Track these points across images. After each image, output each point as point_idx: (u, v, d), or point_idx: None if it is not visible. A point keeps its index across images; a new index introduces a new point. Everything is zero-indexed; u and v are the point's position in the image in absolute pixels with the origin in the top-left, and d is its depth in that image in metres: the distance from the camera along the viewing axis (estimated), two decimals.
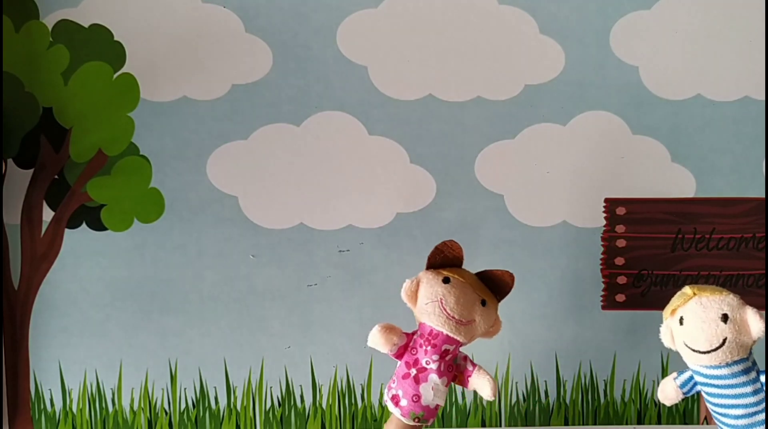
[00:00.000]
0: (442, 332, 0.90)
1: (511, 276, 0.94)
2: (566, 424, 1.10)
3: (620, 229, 1.07)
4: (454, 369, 0.93)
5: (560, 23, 1.04)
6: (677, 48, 1.05)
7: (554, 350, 1.09)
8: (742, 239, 1.07)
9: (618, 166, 1.06)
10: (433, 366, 0.91)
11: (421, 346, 0.91)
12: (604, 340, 1.08)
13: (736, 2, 1.04)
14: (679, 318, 0.89)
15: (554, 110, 1.05)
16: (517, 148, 1.06)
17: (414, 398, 0.91)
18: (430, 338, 0.91)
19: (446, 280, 0.92)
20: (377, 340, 0.92)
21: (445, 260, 0.94)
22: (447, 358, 0.91)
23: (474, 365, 0.94)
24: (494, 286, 0.94)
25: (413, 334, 0.93)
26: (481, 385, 0.93)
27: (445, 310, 0.90)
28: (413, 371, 0.91)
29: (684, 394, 0.93)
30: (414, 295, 0.92)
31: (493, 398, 0.93)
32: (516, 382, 1.09)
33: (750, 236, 1.07)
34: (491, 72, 1.05)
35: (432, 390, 0.91)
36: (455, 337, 0.90)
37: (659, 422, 1.10)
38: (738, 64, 1.05)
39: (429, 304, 0.91)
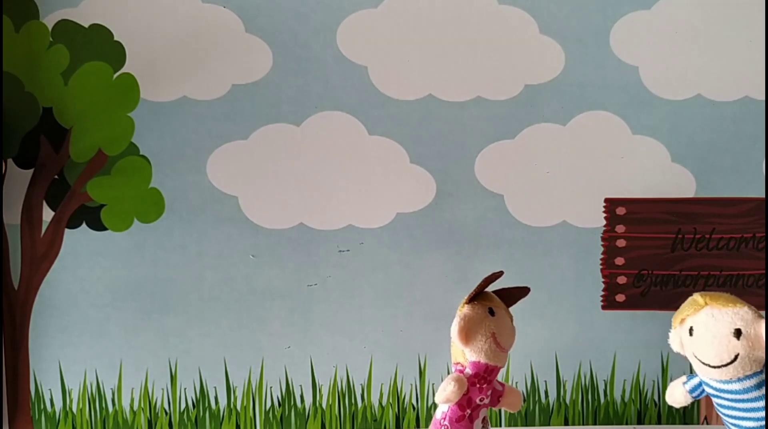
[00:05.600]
0: (497, 366, 0.89)
1: (526, 291, 0.93)
2: (566, 424, 1.10)
3: (620, 229, 1.07)
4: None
5: (560, 23, 1.04)
6: (677, 48, 1.05)
7: (554, 350, 1.09)
8: (742, 239, 1.07)
9: (618, 166, 1.06)
10: (486, 401, 0.89)
11: (474, 384, 0.88)
12: (604, 340, 1.08)
13: (736, 2, 1.04)
14: (688, 328, 0.85)
15: (554, 110, 1.05)
16: (517, 148, 1.06)
17: None
18: (486, 375, 0.88)
19: (491, 312, 0.89)
20: (453, 397, 0.87)
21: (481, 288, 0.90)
22: (492, 387, 0.91)
23: (502, 384, 0.92)
24: (508, 298, 0.93)
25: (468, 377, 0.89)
26: (512, 401, 0.92)
27: (499, 345, 0.88)
28: (468, 412, 0.88)
29: (693, 398, 0.89)
30: (467, 334, 0.87)
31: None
32: (516, 382, 1.09)
33: (750, 236, 1.07)
34: (491, 72, 1.05)
35: (482, 423, 0.90)
36: (503, 365, 0.89)
37: (659, 422, 1.10)
38: (738, 64, 1.05)
39: (485, 341, 0.87)
